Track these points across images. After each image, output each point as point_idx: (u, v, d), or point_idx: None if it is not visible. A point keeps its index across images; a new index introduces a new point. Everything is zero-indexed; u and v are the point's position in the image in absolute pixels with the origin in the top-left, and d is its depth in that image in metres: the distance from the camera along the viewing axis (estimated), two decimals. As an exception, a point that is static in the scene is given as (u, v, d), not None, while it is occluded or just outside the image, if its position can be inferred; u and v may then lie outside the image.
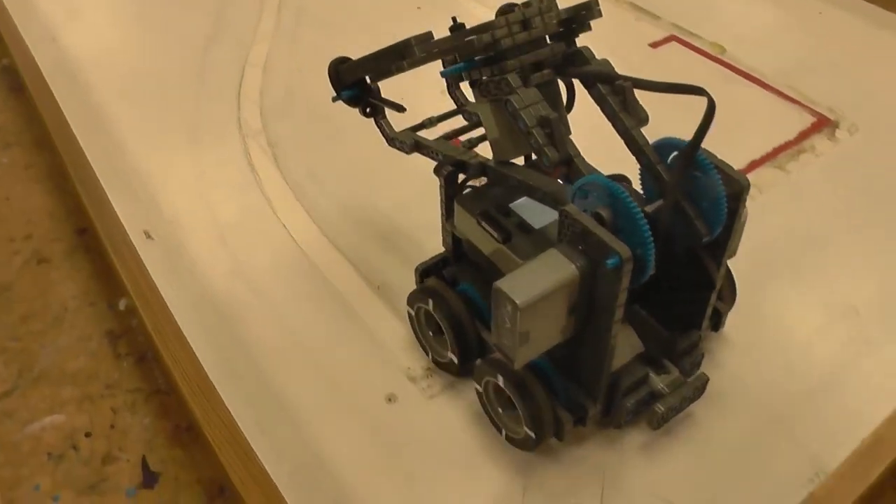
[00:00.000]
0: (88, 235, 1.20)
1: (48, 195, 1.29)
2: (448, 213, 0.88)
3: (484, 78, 0.76)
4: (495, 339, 0.72)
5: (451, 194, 0.87)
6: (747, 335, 0.97)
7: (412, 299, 0.93)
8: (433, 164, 0.88)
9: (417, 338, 0.96)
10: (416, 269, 0.95)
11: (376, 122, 0.95)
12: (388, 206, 1.16)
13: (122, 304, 1.10)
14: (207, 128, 1.31)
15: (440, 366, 0.93)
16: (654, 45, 1.50)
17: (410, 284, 0.94)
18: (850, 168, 1.23)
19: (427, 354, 0.94)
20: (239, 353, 0.96)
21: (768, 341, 0.97)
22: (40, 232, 1.22)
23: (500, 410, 0.85)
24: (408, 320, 0.96)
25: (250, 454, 0.85)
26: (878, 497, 0.86)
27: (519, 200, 0.85)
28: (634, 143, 0.75)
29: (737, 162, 1.19)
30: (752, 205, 1.14)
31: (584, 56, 0.78)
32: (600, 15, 0.77)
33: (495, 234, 0.81)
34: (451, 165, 0.85)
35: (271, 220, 1.14)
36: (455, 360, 0.89)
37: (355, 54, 0.89)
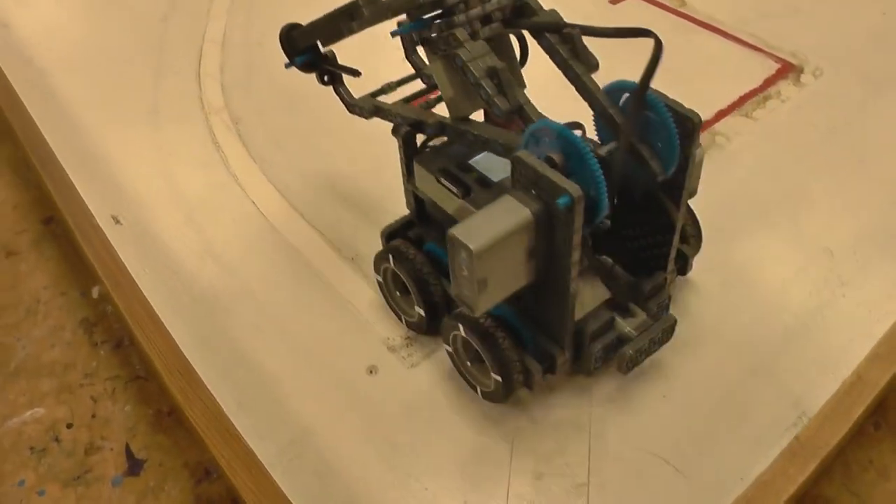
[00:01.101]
0: (55, 224, 1.18)
1: (10, 188, 1.27)
2: (408, 174, 0.89)
3: (433, 35, 0.76)
4: (455, 289, 0.72)
5: (409, 154, 0.87)
6: (719, 282, 0.97)
7: (377, 261, 0.93)
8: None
9: (387, 301, 0.96)
10: (382, 233, 0.95)
11: (335, 90, 0.96)
12: (357, 174, 1.15)
13: (95, 292, 1.09)
14: (169, 106, 1.29)
15: (410, 326, 0.93)
16: (614, 0, 1.49)
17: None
18: (818, 111, 1.23)
19: (398, 318, 0.95)
20: (216, 333, 0.95)
21: (742, 287, 0.97)
22: (6, 224, 1.20)
23: (469, 365, 0.86)
24: (377, 287, 0.96)
25: (234, 434, 0.84)
26: (858, 435, 0.87)
27: (478, 156, 0.85)
28: (586, 90, 0.75)
29: (704, 112, 1.19)
30: (721, 153, 1.15)
31: (531, 8, 0.78)
32: None
33: (454, 190, 0.81)
34: (409, 126, 0.86)
35: (239, 196, 1.12)
36: (422, 316, 0.90)
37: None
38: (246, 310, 0.98)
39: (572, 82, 0.76)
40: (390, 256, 0.90)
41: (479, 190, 0.81)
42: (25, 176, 1.27)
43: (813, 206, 1.08)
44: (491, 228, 0.67)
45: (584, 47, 0.76)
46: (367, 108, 0.91)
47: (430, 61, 0.79)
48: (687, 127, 0.73)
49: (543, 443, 0.83)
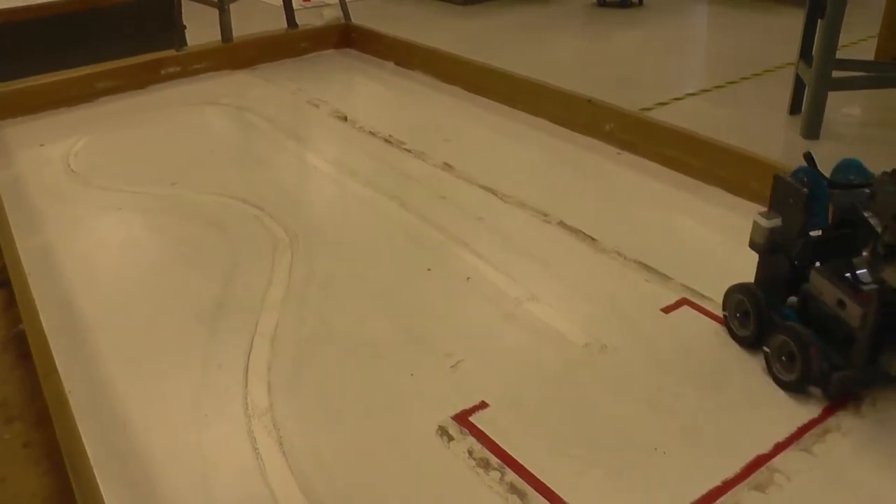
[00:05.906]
0: (83, 530, 1.14)
1: (44, 477, 1.24)
2: None
3: None
4: None
5: None
6: None
7: None
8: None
9: None
10: None
11: None
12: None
13: None
14: (212, 404, 1.28)
15: None
16: (666, 309, 1.48)
17: None
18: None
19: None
20: None
21: None
22: (32, 524, 1.16)
23: None
24: None
25: None
26: None
27: None
28: None
29: (759, 446, 1.15)
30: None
31: None
32: None
33: None
34: None
35: (276, 517, 1.07)
36: None
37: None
38: None
39: None
40: None
41: None
42: (62, 466, 1.24)
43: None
44: None
45: None
46: None
47: None
48: None
49: None
